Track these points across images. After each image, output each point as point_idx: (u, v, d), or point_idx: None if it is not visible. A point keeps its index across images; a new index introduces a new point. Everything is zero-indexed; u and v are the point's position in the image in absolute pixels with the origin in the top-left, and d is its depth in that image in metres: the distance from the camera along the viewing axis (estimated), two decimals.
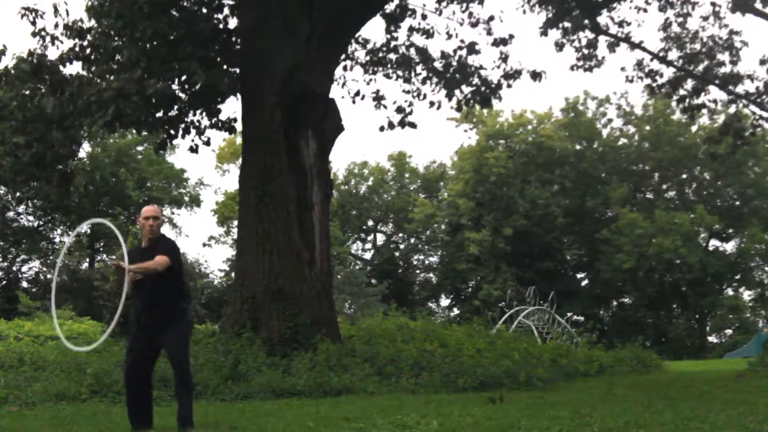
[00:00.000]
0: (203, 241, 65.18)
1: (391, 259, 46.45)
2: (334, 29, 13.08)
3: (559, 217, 41.80)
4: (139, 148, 37.17)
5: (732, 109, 19.00)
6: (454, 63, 15.66)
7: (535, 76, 15.45)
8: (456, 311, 44.24)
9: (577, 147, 43.94)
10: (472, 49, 15.61)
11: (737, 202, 42.84)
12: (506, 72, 15.70)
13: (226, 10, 13.62)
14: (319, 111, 12.56)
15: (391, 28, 15.95)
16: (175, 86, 12.30)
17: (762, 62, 17.41)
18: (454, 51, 15.80)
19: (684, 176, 43.86)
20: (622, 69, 18.62)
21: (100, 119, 11.13)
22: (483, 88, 15.59)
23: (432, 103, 16.13)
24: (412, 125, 15.93)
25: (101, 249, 39.36)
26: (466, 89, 15.68)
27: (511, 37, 15.84)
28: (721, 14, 17.40)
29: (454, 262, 42.40)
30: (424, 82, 15.99)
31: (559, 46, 17.56)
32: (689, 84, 18.43)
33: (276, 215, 11.70)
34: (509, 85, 15.74)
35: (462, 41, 15.87)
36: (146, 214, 5.80)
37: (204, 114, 13.40)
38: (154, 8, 11.43)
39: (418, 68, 16.09)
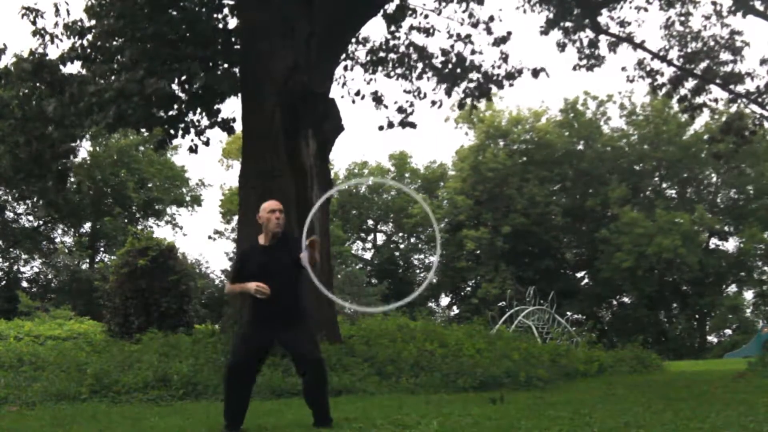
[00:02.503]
0: (208, 234, 65.31)
1: (391, 258, 46.46)
2: (334, 29, 13.08)
3: (559, 216, 41.80)
4: (141, 149, 37.21)
5: (733, 108, 19.00)
6: (453, 59, 15.67)
7: (536, 73, 15.47)
8: (456, 310, 44.28)
9: (579, 148, 43.96)
10: (468, 42, 15.63)
11: (740, 202, 42.82)
12: (507, 72, 15.72)
13: (226, 10, 13.65)
14: (319, 111, 12.56)
15: (392, 28, 15.97)
16: (174, 86, 12.32)
17: (763, 62, 17.42)
18: (452, 46, 15.84)
19: (684, 175, 43.87)
20: (623, 69, 18.64)
21: (102, 121, 11.15)
22: (483, 82, 15.61)
23: (434, 102, 16.15)
24: (412, 125, 15.94)
25: (102, 249, 39.40)
26: (465, 85, 15.70)
27: (509, 34, 15.87)
28: (723, 13, 17.42)
29: (454, 260, 42.44)
30: (420, 76, 15.99)
31: (561, 46, 17.57)
32: (690, 83, 18.46)
33: None
34: (511, 84, 15.78)
35: (458, 34, 15.90)
36: (272, 207, 5.46)
37: (203, 114, 13.41)
38: (154, 8, 11.44)
39: (418, 66, 16.11)
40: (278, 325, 5.34)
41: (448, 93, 15.83)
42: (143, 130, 13.59)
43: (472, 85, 15.71)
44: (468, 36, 15.79)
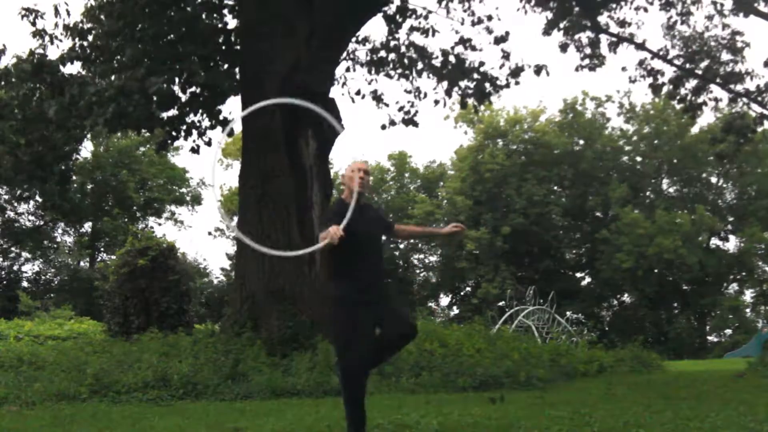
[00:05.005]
0: (209, 230, 65.36)
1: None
2: (334, 29, 13.07)
3: (558, 215, 41.79)
4: (142, 149, 37.21)
5: (734, 108, 18.96)
6: (452, 59, 15.66)
7: (539, 70, 15.42)
8: (456, 310, 44.29)
9: (576, 148, 43.95)
10: (469, 44, 15.61)
11: (740, 201, 42.82)
12: (511, 70, 15.70)
13: (226, 10, 13.65)
14: None
15: (392, 28, 15.96)
16: (175, 86, 12.32)
17: (766, 64, 17.36)
18: (452, 47, 15.82)
19: (685, 176, 43.87)
20: (624, 69, 18.61)
21: (100, 117, 11.15)
22: (484, 83, 15.58)
23: (437, 102, 16.14)
24: (415, 123, 15.95)
25: (102, 248, 39.40)
26: (465, 84, 15.67)
27: (508, 33, 15.86)
28: (724, 12, 17.40)
29: (454, 260, 42.44)
30: (420, 74, 15.97)
31: (563, 47, 17.53)
32: (691, 83, 18.44)
33: (276, 215, 11.70)
34: (517, 83, 15.74)
35: (461, 37, 15.89)
36: (358, 166, 5.11)
37: (204, 115, 13.42)
38: (154, 9, 11.44)
39: (418, 65, 16.09)
40: (374, 300, 4.71)
41: (449, 93, 15.83)
42: (144, 130, 13.59)
43: (472, 84, 15.69)
44: (469, 39, 15.78)
